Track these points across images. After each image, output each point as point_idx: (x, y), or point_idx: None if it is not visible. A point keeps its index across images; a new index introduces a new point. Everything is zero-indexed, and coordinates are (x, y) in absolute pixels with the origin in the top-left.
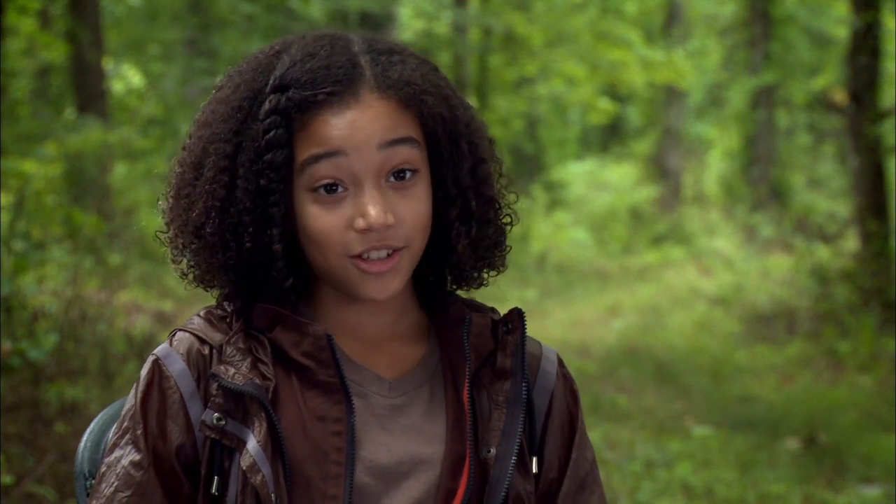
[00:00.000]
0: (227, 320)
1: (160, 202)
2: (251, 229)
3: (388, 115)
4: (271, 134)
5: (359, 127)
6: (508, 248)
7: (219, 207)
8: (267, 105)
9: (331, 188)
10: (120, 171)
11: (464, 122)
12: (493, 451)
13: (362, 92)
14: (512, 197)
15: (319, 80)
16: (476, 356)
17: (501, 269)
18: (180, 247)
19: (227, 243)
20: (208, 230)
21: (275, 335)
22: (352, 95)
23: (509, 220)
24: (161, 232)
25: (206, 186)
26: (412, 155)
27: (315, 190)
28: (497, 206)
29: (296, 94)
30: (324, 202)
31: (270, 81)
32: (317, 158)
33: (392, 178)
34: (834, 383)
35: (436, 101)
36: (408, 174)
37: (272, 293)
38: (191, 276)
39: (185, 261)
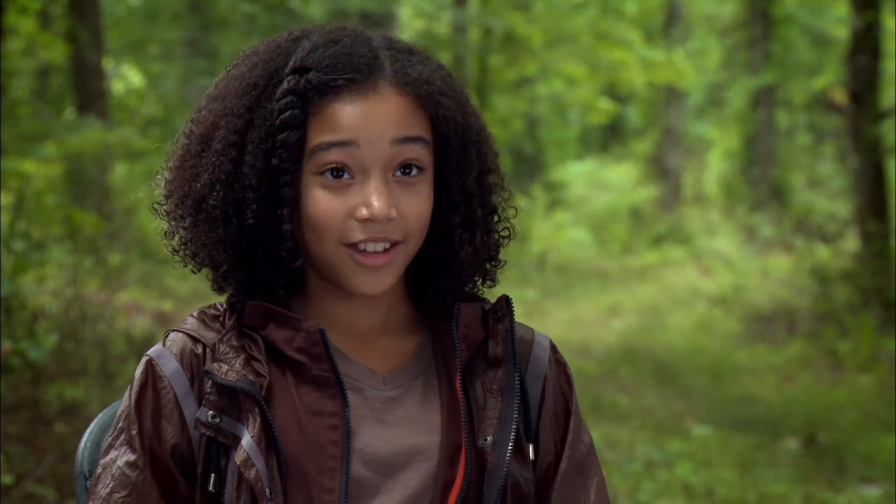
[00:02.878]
0: (220, 319)
1: (159, 174)
2: (255, 206)
3: (403, 111)
4: (287, 114)
5: (374, 118)
6: (503, 263)
7: (224, 181)
8: (285, 85)
9: (337, 173)
10: (120, 171)
11: (475, 129)
12: (489, 439)
13: (381, 84)
14: (511, 212)
15: (341, 66)
16: (466, 346)
17: (491, 283)
18: (178, 218)
19: (228, 218)
20: (211, 202)
21: (268, 332)
22: (371, 86)
23: (507, 233)
24: (158, 203)
25: (213, 159)
26: (422, 155)
27: (321, 173)
28: (497, 218)
29: (316, 77)
30: (329, 187)
31: (290, 63)
32: (328, 146)
33: (398, 173)
34: (834, 383)
35: (451, 104)
36: (414, 171)
37: (266, 274)
38: (182, 253)
39: (177, 237)
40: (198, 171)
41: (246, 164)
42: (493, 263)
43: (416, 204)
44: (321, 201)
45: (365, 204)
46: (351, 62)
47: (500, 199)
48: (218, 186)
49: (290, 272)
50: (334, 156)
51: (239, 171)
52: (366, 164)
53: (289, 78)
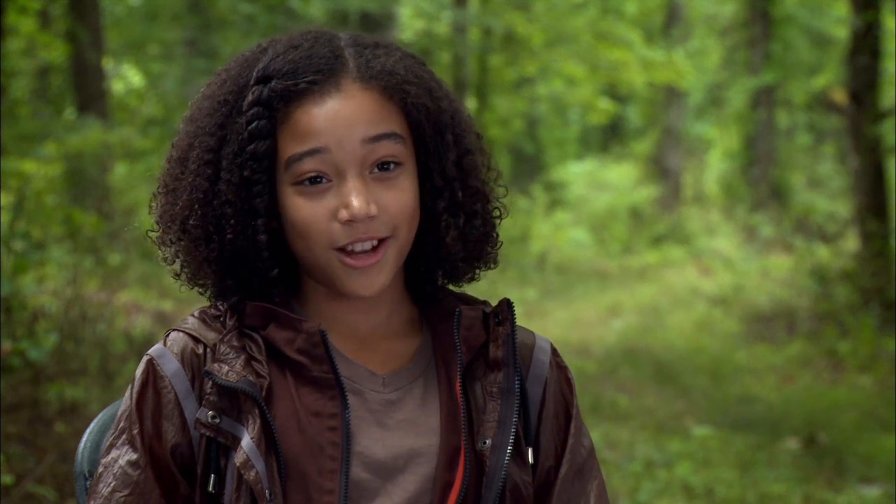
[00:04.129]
0: (221, 319)
1: (152, 203)
2: (233, 221)
3: (371, 107)
4: (254, 125)
5: (342, 118)
6: (500, 243)
7: (202, 199)
8: (250, 97)
9: (314, 179)
10: (120, 171)
11: (448, 113)
12: (488, 441)
13: (344, 82)
14: (501, 190)
15: (301, 69)
16: (467, 348)
17: (493, 265)
18: (169, 243)
19: (209, 236)
20: (192, 223)
21: (268, 333)
22: (333, 85)
23: (498, 212)
24: (152, 231)
25: (190, 179)
26: (396, 149)
27: (299, 182)
28: (485, 198)
29: (278, 85)
30: (307, 193)
31: (254, 74)
32: (300, 157)
33: (376, 170)
34: (834, 383)
35: (419, 91)
36: (392, 166)
37: (256, 286)
38: (183, 276)
39: (177, 262)
40: (178, 194)
41: (222, 180)
42: (490, 244)
43: (398, 197)
44: (301, 208)
45: (344, 205)
46: (311, 64)
47: (488, 179)
48: (196, 206)
49: (282, 282)
50: (308, 165)
51: (216, 188)
52: (339, 166)
53: (253, 89)
